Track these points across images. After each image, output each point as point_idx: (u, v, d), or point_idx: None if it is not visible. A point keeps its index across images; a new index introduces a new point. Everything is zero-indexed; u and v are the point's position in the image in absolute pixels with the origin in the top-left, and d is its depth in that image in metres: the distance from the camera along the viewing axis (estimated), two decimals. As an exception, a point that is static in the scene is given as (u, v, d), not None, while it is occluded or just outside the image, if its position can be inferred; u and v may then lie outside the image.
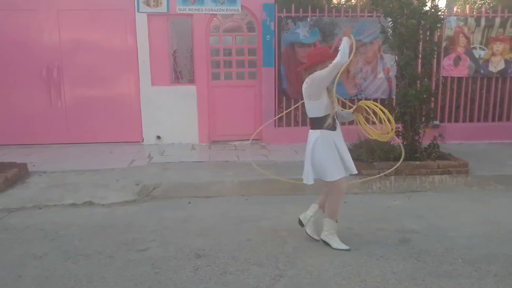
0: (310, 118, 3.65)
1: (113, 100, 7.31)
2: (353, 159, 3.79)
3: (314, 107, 3.58)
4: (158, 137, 7.39)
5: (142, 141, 7.39)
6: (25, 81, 7.17)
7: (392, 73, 7.40)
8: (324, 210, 3.76)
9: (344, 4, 9.05)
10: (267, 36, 7.25)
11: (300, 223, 3.87)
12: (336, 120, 3.67)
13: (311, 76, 3.53)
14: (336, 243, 3.65)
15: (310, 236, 3.81)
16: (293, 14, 7.26)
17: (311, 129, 3.65)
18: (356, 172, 3.74)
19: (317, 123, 3.59)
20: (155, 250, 3.63)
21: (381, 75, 7.57)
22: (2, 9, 6.99)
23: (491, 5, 8.22)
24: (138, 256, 3.52)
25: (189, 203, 4.89)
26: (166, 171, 5.71)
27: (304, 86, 3.59)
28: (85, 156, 6.52)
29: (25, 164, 5.66)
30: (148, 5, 7.06)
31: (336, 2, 7.78)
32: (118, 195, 5.00)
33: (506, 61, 7.76)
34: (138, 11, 7.07)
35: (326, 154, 3.55)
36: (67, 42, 7.15)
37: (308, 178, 3.65)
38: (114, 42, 7.21)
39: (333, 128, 3.59)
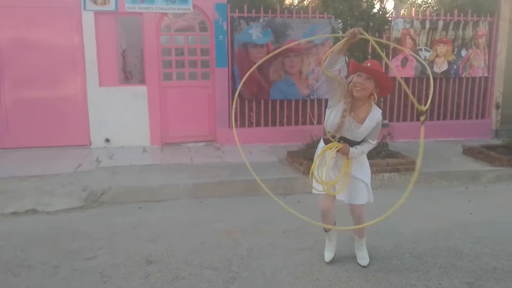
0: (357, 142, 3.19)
1: (58, 102, 6.97)
2: (306, 159, 3.70)
3: None
4: (107, 140, 7.13)
5: (90, 145, 7.10)
6: (-40, 82, 6.71)
7: (343, 73, 7.56)
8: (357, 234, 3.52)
9: (296, 5, 9.14)
10: (220, 36, 7.19)
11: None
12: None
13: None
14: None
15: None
16: (245, 15, 7.24)
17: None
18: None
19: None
20: (104, 258, 3.49)
21: (334, 75, 7.69)
22: None
23: (435, 8, 8.59)
24: (85, 265, 3.36)
25: (140, 208, 4.75)
26: (115, 175, 5.52)
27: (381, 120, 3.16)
28: (28, 161, 6.17)
29: (-39, 171, 5.29)
30: (95, 3, 6.80)
31: (288, 3, 7.84)
32: (64, 201, 4.76)
33: (449, 62, 8.15)
34: (84, 9, 6.78)
35: None
36: (7, 41, 6.74)
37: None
38: (59, 41, 6.88)
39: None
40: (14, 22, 6.71)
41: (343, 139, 3.10)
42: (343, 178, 3.19)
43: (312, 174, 3.20)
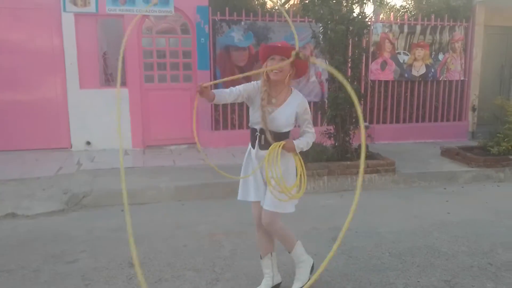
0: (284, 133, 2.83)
1: (38, 105, 6.87)
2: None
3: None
4: (88, 143, 7.06)
5: (71, 148, 7.02)
6: None
7: (324, 76, 7.66)
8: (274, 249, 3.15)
9: (277, 9, 9.21)
10: (202, 39, 7.21)
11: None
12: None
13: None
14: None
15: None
16: (227, 18, 7.28)
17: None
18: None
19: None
20: (85, 261, 3.46)
21: (313, 79, 7.80)
22: None
23: (413, 13, 8.78)
24: (66, 269, 3.33)
25: (122, 210, 4.70)
26: (96, 178, 5.47)
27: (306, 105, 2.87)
28: (7, 165, 6.06)
29: None
30: (75, 4, 6.74)
31: (269, 7, 7.91)
32: (44, 205, 4.70)
33: (427, 66, 8.34)
34: (64, 10, 6.71)
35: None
36: (-16, 42, 6.63)
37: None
38: (39, 43, 6.79)
39: None
40: (-9, 23, 6.60)
41: (264, 133, 2.76)
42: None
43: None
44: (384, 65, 8.13)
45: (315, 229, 4.22)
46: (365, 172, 5.77)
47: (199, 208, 4.89)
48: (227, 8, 7.26)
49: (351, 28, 5.98)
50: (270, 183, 2.77)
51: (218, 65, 7.36)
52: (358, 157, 5.92)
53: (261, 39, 7.43)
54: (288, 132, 2.85)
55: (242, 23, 7.35)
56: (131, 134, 7.20)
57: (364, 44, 7.56)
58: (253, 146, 2.87)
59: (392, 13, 8.78)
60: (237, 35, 7.35)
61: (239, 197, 3.03)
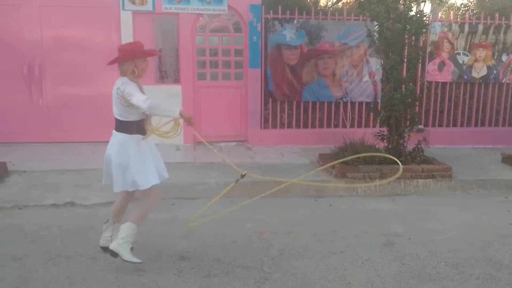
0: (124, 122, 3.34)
1: (95, 99, 7.17)
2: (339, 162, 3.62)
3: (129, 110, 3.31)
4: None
5: (126, 141, 7.27)
6: (5, 79, 6.97)
7: (378, 76, 7.46)
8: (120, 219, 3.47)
9: (330, 7, 9.09)
10: (254, 37, 7.23)
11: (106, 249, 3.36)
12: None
13: (125, 85, 3.26)
14: (128, 255, 3.18)
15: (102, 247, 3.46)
16: (280, 16, 7.25)
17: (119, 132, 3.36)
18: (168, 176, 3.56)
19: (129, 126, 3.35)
20: (139, 252, 3.55)
21: (366, 78, 7.62)
22: (-18, 4, 6.81)
23: (475, 12, 8.36)
24: (121, 259, 3.44)
25: (173, 204, 4.83)
26: (150, 171, 5.62)
27: (123, 87, 3.25)
28: (66, 156, 6.38)
29: (4, 163, 5.50)
30: (133, 3, 6.96)
31: (323, 5, 7.81)
32: (100, 195, 4.90)
33: (488, 67, 7.90)
34: (123, 9, 6.96)
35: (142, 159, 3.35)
36: (49, 39, 6.99)
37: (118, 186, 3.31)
38: (98, 40, 7.08)
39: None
40: (56, 21, 6.96)
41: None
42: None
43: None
44: (441, 66, 7.79)
45: (365, 233, 4.11)
46: (420, 176, 5.56)
47: (247, 205, 4.88)
48: (279, 7, 7.23)
49: (408, 27, 5.77)
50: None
51: (270, 64, 7.35)
52: (413, 160, 5.72)
53: (314, 37, 7.35)
54: None
55: (295, 21, 7.29)
56: (183, 130, 7.33)
57: (421, 44, 7.29)
58: (143, 133, 3.39)
59: (452, 12, 8.39)
60: (289, 34, 7.30)
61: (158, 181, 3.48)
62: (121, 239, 3.20)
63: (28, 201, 4.72)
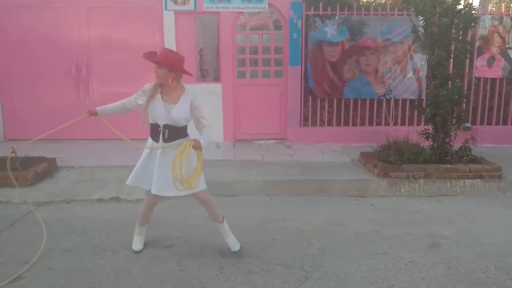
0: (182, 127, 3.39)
1: (140, 97, 7.37)
2: (381, 161, 3.51)
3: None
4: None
5: (168, 138, 7.43)
6: (54, 77, 7.32)
7: (422, 73, 7.23)
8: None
9: (373, 2, 8.88)
10: (294, 35, 7.18)
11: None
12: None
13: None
14: (134, 242, 3.60)
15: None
16: (321, 12, 7.17)
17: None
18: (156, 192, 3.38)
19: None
20: (181, 247, 3.64)
21: (410, 75, 7.39)
22: (34, 7, 7.14)
23: (528, 3, 7.94)
24: (163, 253, 3.53)
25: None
26: (191, 168, 5.72)
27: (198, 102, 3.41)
28: (112, 152, 6.60)
29: (54, 159, 5.77)
30: (176, 3, 7.09)
31: (365, 0, 7.64)
32: (143, 191, 5.01)
33: (543, 62, 7.47)
34: (165, 9, 7.11)
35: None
36: (95, 39, 7.26)
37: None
38: (142, 40, 7.27)
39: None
40: (102, 22, 7.21)
41: (167, 127, 3.30)
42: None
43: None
44: (491, 61, 7.44)
45: (409, 234, 3.99)
46: (467, 177, 5.33)
47: (287, 203, 4.89)
48: (321, 3, 7.14)
49: (456, 21, 5.54)
50: (176, 176, 3.17)
51: (310, 61, 7.28)
52: (459, 160, 5.51)
53: (356, 33, 7.21)
54: (186, 126, 3.39)
55: (336, 17, 7.18)
56: (222, 128, 7.43)
57: (469, 38, 6.99)
58: (157, 140, 3.36)
59: (503, 4, 7.99)
60: (330, 30, 7.20)
61: (131, 182, 3.50)
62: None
63: (76, 195, 4.92)
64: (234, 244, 3.48)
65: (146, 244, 3.67)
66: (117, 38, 7.26)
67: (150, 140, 3.47)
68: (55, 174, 5.53)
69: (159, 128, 3.33)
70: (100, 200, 4.86)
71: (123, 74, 7.31)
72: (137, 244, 3.59)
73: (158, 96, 3.35)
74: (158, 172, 3.33)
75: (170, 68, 3.27)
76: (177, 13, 7.15)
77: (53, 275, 3.16)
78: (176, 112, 3.29)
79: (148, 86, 3.43)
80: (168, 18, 7.15)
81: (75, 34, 7.23)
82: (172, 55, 3.35)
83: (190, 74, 3.51)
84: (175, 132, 3.32)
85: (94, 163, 5.93)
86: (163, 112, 3.30)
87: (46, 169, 5.47)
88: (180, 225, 4.13)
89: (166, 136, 3.32)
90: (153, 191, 3.34)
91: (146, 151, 3.47)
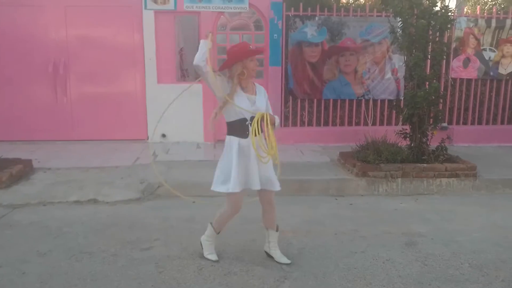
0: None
1: (118, 98, 7.30)
2: (360, 161, 3.55)
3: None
4: (163, 135, 7.37)
5: (147, 139, 7.38)
6: (31, 77, 7.17)
7: (401, 74, 7.34)
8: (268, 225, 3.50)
9: (352, 3, 8.98)
10: (275, 35, 7.21)
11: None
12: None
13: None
14: (208, 251, 3.44)
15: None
16: (301, 13, 7.21)
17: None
18: (259, 188, 3.30)
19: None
20: (159, 249, 3.61)
21: (389, 75, 7.50)
22: (11, 5, 6.99)
23: (502, 6, 8.11)
24: (141, 255, 3.49)
25: (194, 202, 4.85)
26: (170, 169, 5.69)
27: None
28: (89, 153, 6.51)
29: (30, 161, 5.66)
30: (156, 2, 7.03)
31: (345, 1, 7.71)
32: (122, 193, 4.98)
33: (516, 63, 7.67)
34: (145, 8, 7.04)
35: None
36: (73, 39, 7.14)
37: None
38: (121, 39, 7.19)
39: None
40: (80, 20, 7.10)
41: (252, 120, 3.20)
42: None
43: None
44: (467, 62, 7.60)
45: (387, 233, 4.05)
46: (443, 176, 5.44)
47: (268, 204, 4.89)
48: (301, 4, 7.19)
49: (433, 22, 5.64)
50: (267, 150, 3.19)
51: (290, 61, 7.32)
52: (436, 159, 5.61)
53: (335, 34, 7.28)
54: None
55: (316, 18, 7.23)
56: (203, 128, 7.40)
57: (445, 40, 7.13)
58: (245, 136, 3.22)
59: (478, 6, 8.17)
60: (310, 31, 7.25)
61: (235, 190, 3.24)
62: (205, 236, 3.47)
63: (53, 197, 4.83)
64: (282, 256, 3.41)
65: (124, 247, 3.64)
66: (95, 37, 7.16)
67: (234, 139, 3.28)
68: (31, 176, 5.42)
69: (247, 122, 3.21)
70: (77, 202, 4.78)
71: (102, 74, 7.22)
72: (213, 254, 3.45)
73: (240, 90, 3.25)
74: (257, 168, 3.27)
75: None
76: (157, 12, 7.09)
77: (28, 280, 3.09)
78: (259, 102, 3.26)
79: (223, 80, 3.28)
80: (148, 18, 7.09)
81: (53, 33, 7.10)
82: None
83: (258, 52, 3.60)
84: (260, 124, 3.21)
85: (72, 165, 5.84)
86: (248, 104, 3.20)
87: (22, 170, 5.36)
88: (159, 226, 4.10)
89: (256, 126, 3.20)
90: (254, 188, 3.30)
91: (234, 152, 3.26)
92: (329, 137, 7.40)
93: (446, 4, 5.77)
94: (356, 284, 3.11)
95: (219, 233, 3.48)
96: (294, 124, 7.55)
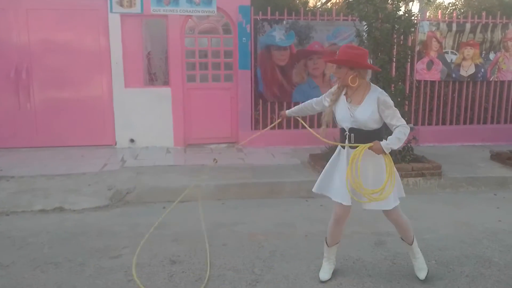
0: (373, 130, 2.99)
1: (85, 103, 7.12)
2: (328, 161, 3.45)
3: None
4: (132, 141, 7.24)
5: (115, 145, 7.22)
6: (-8, 83, 6.91)
7: (367, 76, 7.47)
8: None
9: (320, 7, 9.11)
10: (243, 39, 7.22)
11: None
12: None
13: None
14: (321, 269, 3.25)
15: None
16: (269, 17, 7.25)
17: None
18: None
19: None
20: (128, 257, 3.53)
21: (356, 78, 7.62)
22: (-32, 8, 6.72)
23: (462, 11, 8.43)
24: (110, 264, 3.41)
25: (164, 208, 4.77)
26: (139, 175, 5.59)
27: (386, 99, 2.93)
28: (55, 160, 6.32)
29: (-9, 169, 5.45)
30: (122, 5, 6.92)
31: (312, 6, 7.82)
32: (89, 200, 4.85)
33: (476, 66, 7.97)
34: (111, 11, 6.91)
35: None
36: (36, 43, 6.92)
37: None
38: (86, 43, 7.03)
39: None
40: (43, 24, 6.89)
41: (353, 131, 2.95)
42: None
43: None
44: (430, 64, 7.84)
45: (356, 233, 4.11)
46: (410, 175, 5.58)
47: (238, 207, 4.89)
48: (269, 8, 7.23)
49: (397, 26, 5.79)
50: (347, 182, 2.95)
51: (259, 65, 7.35)
52: (403, 159, 5.74)
53: (303, 38, 7.36)
54: (378, 129, 2.99)
55: (284, 22, 7.30)
56: (173, 132, 7.32)
57: (409, 43, 7.33)
58: (343, 146, 3.04)
59: (440, 11, 8.45)
60: (278, 35, 7.30)
61: (316, 189, 3.20)
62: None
63: (16, 207, 4.66)
64: (420, 269, 3.20)
65: (91, 256, 3.54)
66: (59, 41, 6.97)
67: (339, 146, 3.13)
68: (-7, 185, 5.21)
69: (345, 133, 3.00)
70: (42, 211, 4.63)
71: (66, 79, 7.03)
72: (324, 272, 3.20)
73: (343, 97, 3.04)
74: (340, 177, 3.02)
75: (350, 66, 2.91)
76: (123, 15, 6.98)
77: (-11, 293, 2.97)
78: (360, 113, 2.92)
79: (334, 88, 3.15)
80: (114, 21, 6.96)
81: (14, 37, 6.86)
82: (352, 51, 2.95)
83: (376, 69, 3.45)
84: (363, 137, 2.93)
85: (36, 172, 5.65)
86: (347, 114, 2.96)
87: (-18, 180, 5.15)
88: (128, 234, 4.02)
89: (352, 141, 2.96)
90: (334, 198, 3.06)
91: (333, 155, 3.15)
92: (299, 140, 7.46)
93: (409, 9, 5.94)
94: (327, 285, 3.14)
95: (337, 243, 3.28)
96: (265, 127, 7.55)
